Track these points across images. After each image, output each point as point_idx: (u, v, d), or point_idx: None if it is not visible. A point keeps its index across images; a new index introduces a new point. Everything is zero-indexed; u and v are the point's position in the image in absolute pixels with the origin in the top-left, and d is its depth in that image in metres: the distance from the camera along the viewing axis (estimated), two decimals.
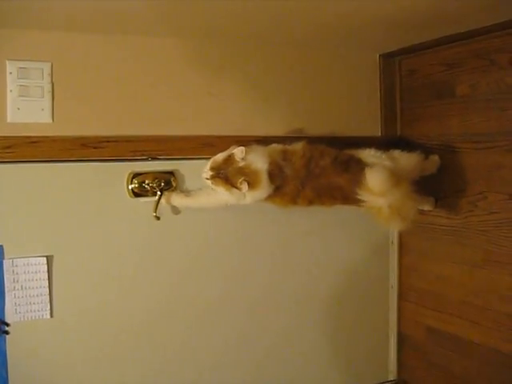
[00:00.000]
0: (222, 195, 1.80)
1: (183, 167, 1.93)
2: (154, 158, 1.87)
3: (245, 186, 1.72)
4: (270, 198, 1.82)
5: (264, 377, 2.17)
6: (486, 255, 1.97)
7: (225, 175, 1.75)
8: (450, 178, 2.10)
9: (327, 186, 1.85)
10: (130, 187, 1.85)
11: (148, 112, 1.87)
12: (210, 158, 1.81)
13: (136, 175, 1.86)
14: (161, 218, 1.86)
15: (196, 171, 1.91)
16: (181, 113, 1.93)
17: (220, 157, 1.78)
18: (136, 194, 1.86)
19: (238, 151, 1.74)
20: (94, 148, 1.77)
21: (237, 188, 1.74)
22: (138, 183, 1.85)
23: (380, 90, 2.31)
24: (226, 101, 1.99)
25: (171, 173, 1.91)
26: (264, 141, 1.91)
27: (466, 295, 2.06)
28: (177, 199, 1.89)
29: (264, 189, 1.77)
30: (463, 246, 2.06)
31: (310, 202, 1.86)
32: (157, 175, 1.88)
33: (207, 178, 1.78)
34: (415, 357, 2.33)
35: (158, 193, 1.85)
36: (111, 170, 1.83)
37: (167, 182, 1.89)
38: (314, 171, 1.83)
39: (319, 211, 1.98)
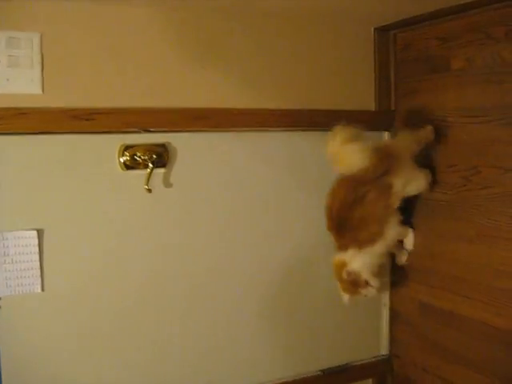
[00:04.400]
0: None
1: (175, 140, 1.91)
2: (145, 131, 1.84)
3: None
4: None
5: (258, 350, 2.17)
6: (480, 230, 1.96)
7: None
8: (444, 152, 2.09)
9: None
10: (121, 160, 1.83)
11: (140, 84, 1.84)
12: (202, 131, 1.83)
13: (127, 148, 1.83)
14: (152, 191, 1.85)
15: (188, 144, 1.91)
16: (173, 85, 1.90)
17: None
18: (128, 166, 1.84)
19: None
20: (85, 120, 1.74)
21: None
22: (130, 156, 1.83)
23: (374, 64, 2.28)
24: (217, 73, 1.96)
25: (163, 145, 1.88)
26: (255, 113, 1.94)
27: (459, 270, 2.06)
28: None
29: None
30: (456, 220, 2.05)
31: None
32: (149, 148, 1.85)
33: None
34: (407, 331, 2.33)
35: (150, 165, 1.83)
36: (102, 143, 1.81)
37: (159, 155, 1.87)
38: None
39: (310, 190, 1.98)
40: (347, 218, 1.93)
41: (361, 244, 1.95)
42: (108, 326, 1.89)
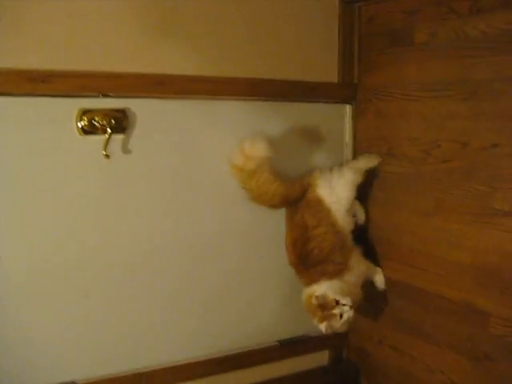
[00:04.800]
0: None
1: (135, 106, 1.86)
2: (104, 95, 1.80)
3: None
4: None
5: (211, 322, 2.16)
6: (438, 203, 1.98)
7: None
8: (405, 126, 2.10)
9: None
10: (79, 124, 1.78)
11: (99, 47, 1.79)
12: (162, 98, 1.84)
13: (85, 112, 1.78)
14: (110, 157, 1.82)
15: (148, 111, 1.88)
16: (133, 50, 1.85)
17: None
18: (85, 131, 1.79)
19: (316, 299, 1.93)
20: (42, 82, 1.69)
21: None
22: (88, 120, 1.78)
23: (338, 36, 2.26)
24: (178, 40, 1.92)
25: (122, 111, 1.84)
26: (216, 81, 1.94)
27: (416, 243, 2.08)
28: None
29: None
30: (415, 194, 2.07)
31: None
32: (107, 113, 1.81)
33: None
34: (364, 304, 2.33)
35: (108, 130, 1.79)
36: (60, 106, 1.76)
37: (118, 120, 1.83)
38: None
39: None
40: (306, 255, 2.00)
41: (331, 275, 1.99)
42: (60, 287, 1.86)
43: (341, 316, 1.92)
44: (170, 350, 2.10)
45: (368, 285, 2.17)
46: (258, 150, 1.93)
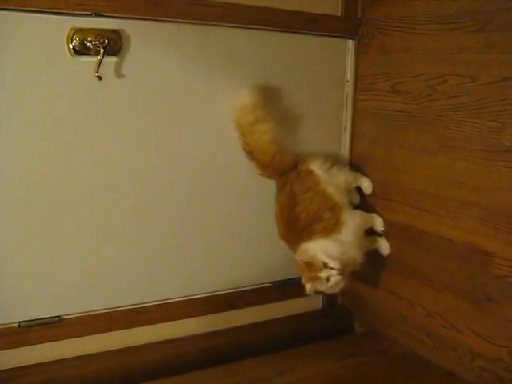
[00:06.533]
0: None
1: (130, 27, 1.76)
2: (97, 15, 1.70)
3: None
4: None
5: (205, 262, 2.12)
6: (442, 141, 1.91)
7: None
8: (410, 61, 2.02)
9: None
10: (70, 45, 1.69)
11: None
12: (159, 20, 1.77)
13: (77, 31, 1.69)
14: (103, 80, 1.72)
15: (143, 33, 1.79)
16: None
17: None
18: (77, 52, 1.70)
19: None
20: None
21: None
22: (80, 41, 1.69)
23: None
24: None
25: (117, 32, 1.74)
26: (217, 6, 1.83)
27: (418, 183, 2.02)
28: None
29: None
30: (419, 132, 2.00)
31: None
32: (101, 33, 1.71)
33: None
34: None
35: (101, 50, 1.69)
36: (50, 24, 1.65)
37: (112, 42, 1.72)
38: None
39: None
40: (294, 221, 1.95)
41: (324, 232, 1.92)
42: (50, 215, 1.80)
43: (327, 280, 1.83)
44: (163, 288, 2.04)
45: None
46: (248, 98, 1.91)
